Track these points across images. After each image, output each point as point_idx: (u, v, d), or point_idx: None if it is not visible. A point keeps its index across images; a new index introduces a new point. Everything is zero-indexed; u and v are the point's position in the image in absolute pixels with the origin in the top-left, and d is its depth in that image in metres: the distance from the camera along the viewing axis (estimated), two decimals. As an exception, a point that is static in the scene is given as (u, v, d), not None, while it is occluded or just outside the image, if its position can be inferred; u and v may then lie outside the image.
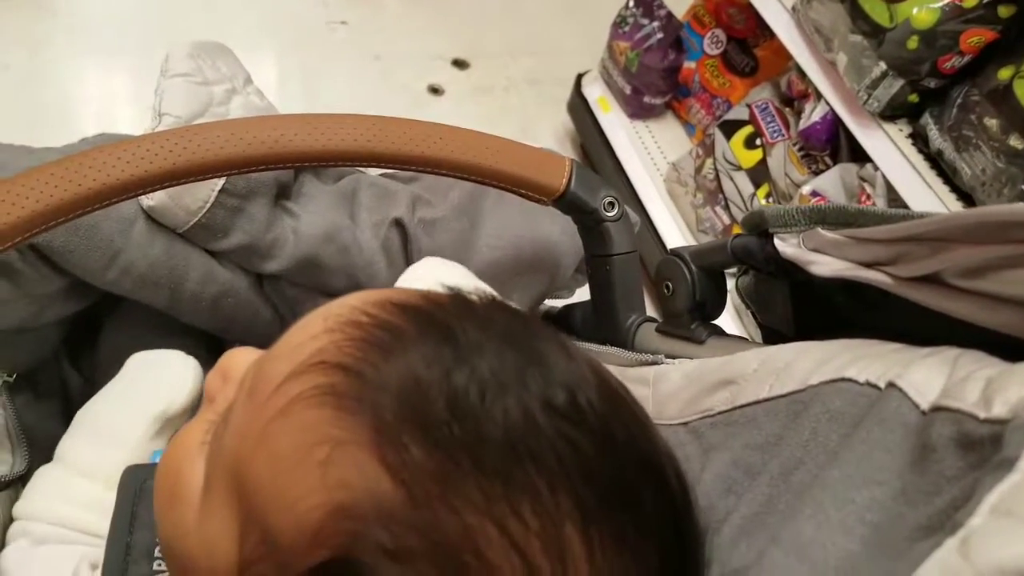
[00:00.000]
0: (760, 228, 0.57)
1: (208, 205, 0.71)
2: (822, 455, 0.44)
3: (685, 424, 0.56)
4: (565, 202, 0.71)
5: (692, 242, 1.74)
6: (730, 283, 0.69)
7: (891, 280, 0.47)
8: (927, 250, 0.44)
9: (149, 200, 0.70)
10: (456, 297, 0.41)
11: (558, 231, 0.87)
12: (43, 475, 0.62)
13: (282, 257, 0.78)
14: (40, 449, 0.70)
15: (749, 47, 1.89)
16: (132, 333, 0.81)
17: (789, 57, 1.52)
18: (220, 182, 0.72)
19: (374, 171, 0.88)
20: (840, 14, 1.33)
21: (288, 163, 0.62)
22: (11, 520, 0.61)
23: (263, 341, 0.82)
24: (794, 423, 0.47)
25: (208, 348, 0.83)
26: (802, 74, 1.53)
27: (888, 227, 0.46)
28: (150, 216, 0.71)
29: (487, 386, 0.34)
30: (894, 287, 0.47)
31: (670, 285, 0.68)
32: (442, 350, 0.36)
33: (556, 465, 0.34)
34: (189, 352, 0.71)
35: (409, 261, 0.87)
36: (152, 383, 0.67)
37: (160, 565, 0.52)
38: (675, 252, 0.68)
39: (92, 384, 0.80)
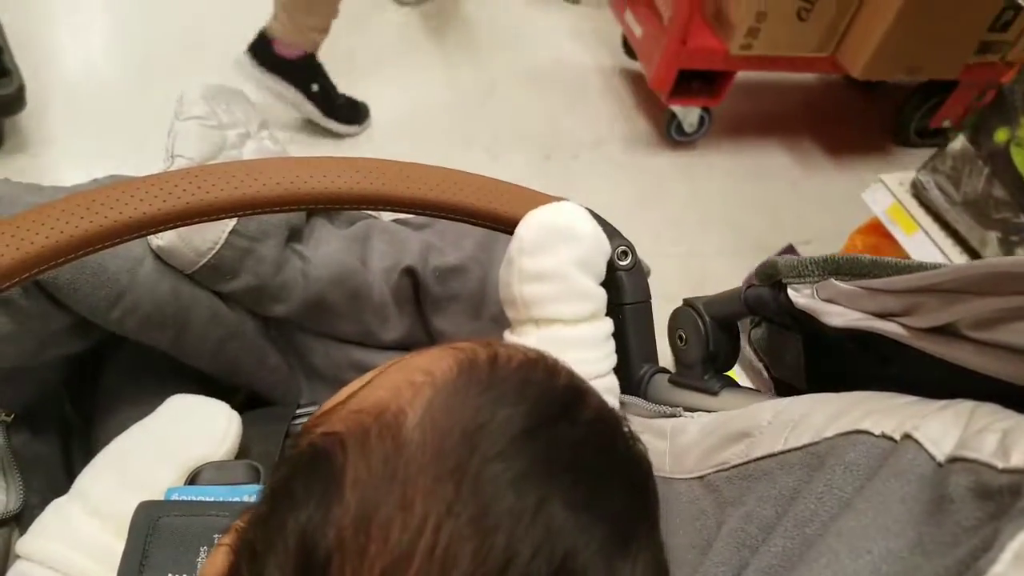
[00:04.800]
0: (773, 279, 0.57)
1: (218, 246, 0.71)
2: (836, 506, 0.43)
3: (701, 478, 0.55)
4: None
5: None
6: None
7: (905, 331, 0.47)
8: (941, 301, 0.44)
9: (158, 240, 0.69)
10: (612, 418, 0.43)
11: None
12: (56, 511, 0.59)
13: (291, 300, 0.78)
14: (36, 489, 0.69)
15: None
16: (133, 375, 0.80)
17: None
18: (231, 223, 0.72)
19: (387, 216, 0.88)
20: None
21: (301, 205, 0.62)
22: (10, 553, 0.60)
23: (267, 386, 0.83)
24: (809, 476, 0.46)
25: (210, 393, 0.81)
26: None
27: (902, 278, 0.46)
28: (158, 256, 0.71)
29: (533, 483, 0.36)
30: (908, 338, 0.47)
31: (683, 335, 0.68)
32: (554, 423, 0.39)
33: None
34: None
35: (420, 310, 0.86)
36: (193, 433, 0.64)
37: None
38: (689, 303, 0.68)
39: (91, 424, 0.79)
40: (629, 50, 2.49)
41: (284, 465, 0.40)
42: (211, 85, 0.79)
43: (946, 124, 2.36)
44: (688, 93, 2.15)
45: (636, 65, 2.49)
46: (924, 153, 2.43)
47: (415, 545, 0.33)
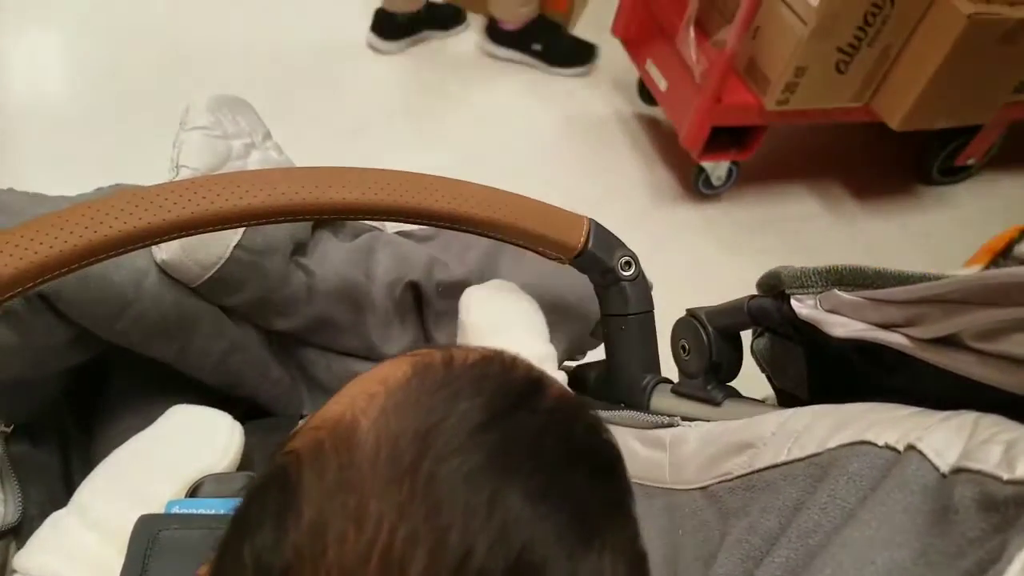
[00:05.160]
0: (776, 289, 0.57)
1: (223, 260, 0.71)
2: (839, 516, 0.43)
3: (703, 488, 0.55)
4: (583, 260, 0.71)
5: None
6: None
7: (909, 342, 0.47)
8: (944, 312, 0.44)
9: (163, 254, 0.69)
10: (574, 406, 0.42)
11: (578, 292, 0.86)
12: (55, 524, 0.59)
13: (295, 314, 0.78)
14: (34, 500, 0.68)
15: None
16: (134, 386, 0.80)
17: None
18: (236, 237, 0.72)
19: (391, 228, 0.88)
20: None
21: (311, 215, 0.62)
22: (7, 567, 0.59)
23: (270, 399, 0.82)
24: (813, 487, 0.46)
25: (212, 404, 0.80)
26: None
27: (905, 288, 0.46)
28: (163, 270, 0.71)
29: (491, 484, 0.35)
30: (912, 349, 0.47)
31: (686, 345, 0.67)
32: (512, 414, 0.38)
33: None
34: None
35: (424, 324, 0.86)
36: (194, 445, 0.64)
37: None
38: (692, 313, 0.67)
39: (91, 434, 0.79)
40: (644, 94, 2.41)
41: (247, 490, 0.40)
42: (217, 95, 0.79)
43: (971, 162, 2.32)
44: (718, 148, 2.06)
45: (652, 111, 2.41)
46: (948, 191, 2.37)
47: (371, 547, 0.33)
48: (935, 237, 2.26)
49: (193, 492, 0.59)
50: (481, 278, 0.85)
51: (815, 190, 2.35)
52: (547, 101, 2.44)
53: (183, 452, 0.63)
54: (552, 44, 2.46)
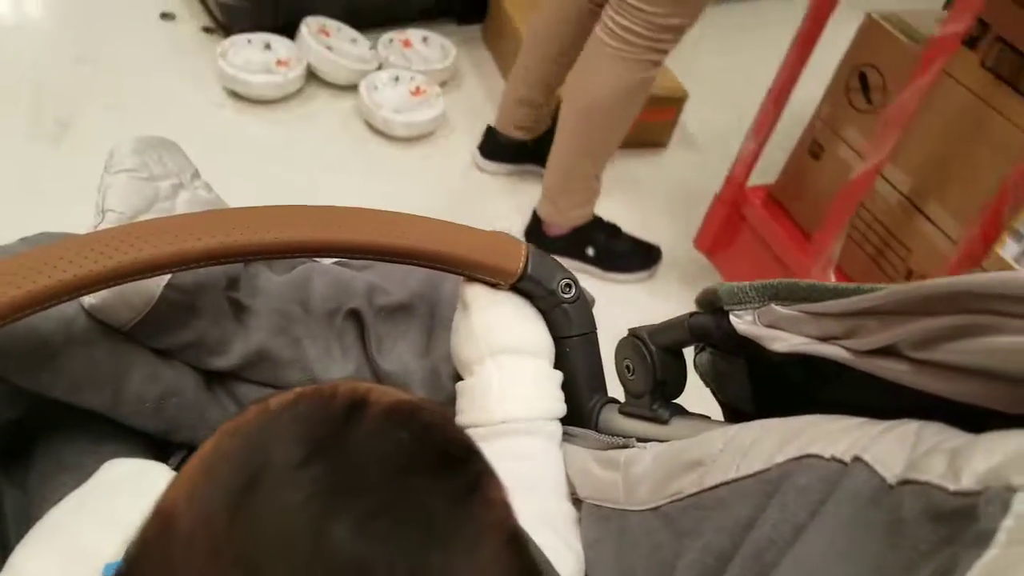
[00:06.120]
0: (715, 306, 0.57)
1: (153, 301, 0.69)
2: (791, 532, 0.44)
3: (655, 509, 0.55)
4: (523, 285, 0.71)
5: None
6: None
7: (848, 354, 0.48)
8: (881, 323, 0.45)
9: (91, 299, 0.67)
10: (404, 410, 0.39)
11: None
12: None
13: (231, 353, 0.76)
14: None
15: None
16: (68, 438, 0.76)
17: None
18: (166, 277, 0.69)
19: (328, 260, 0.87)
20: None
21: (241, 257, 0.61)
22: None
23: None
24: (764, 504, 0.46)
25: (151, 453, 0.77)
26: None
27: (841, 301, 0.47)
28: (91, 315, 0.68)
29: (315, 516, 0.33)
30: (852, 361, 0.48)
31: (630, 365, 0.68)
32: (332, 443, 0.36)
33: None
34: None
35: (367, 351, 0.85)
36: (132, 500, 0.60)
37: None
38: (634, 332, 0.68)
39: (26, 492, 0.76)
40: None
41: None
42: (142, 136, 0.77)
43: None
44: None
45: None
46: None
47: None
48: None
49: None
50: (425, 302, 0.84)
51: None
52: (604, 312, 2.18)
53: (120, 509, 0.60)
54: (608, 247, 2.03)
